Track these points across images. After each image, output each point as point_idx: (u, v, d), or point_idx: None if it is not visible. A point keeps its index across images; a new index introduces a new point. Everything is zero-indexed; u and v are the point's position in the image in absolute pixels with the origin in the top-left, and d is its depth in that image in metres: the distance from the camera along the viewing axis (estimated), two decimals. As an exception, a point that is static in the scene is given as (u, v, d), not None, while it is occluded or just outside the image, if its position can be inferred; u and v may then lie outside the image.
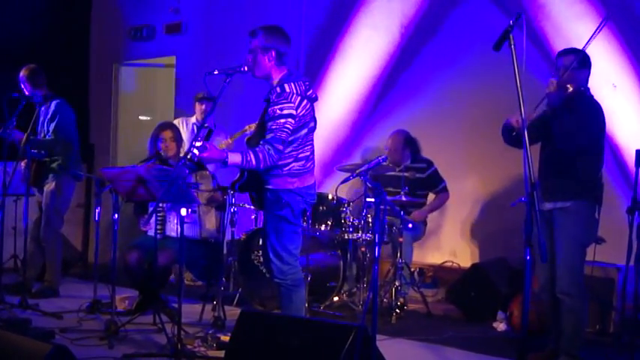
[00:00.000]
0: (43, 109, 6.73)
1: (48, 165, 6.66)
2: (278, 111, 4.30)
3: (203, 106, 7.65)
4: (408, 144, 6.80)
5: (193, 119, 7.82)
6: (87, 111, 9.68)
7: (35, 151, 6.44)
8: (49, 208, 6.68)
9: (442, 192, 6.83)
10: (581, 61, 4.64)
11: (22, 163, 6.49)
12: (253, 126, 4.86)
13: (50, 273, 6.81)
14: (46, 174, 6.67)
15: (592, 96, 4.74)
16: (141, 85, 10.05)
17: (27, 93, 6.66)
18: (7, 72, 6.75)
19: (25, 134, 6.35)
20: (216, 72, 4.43)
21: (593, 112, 4.67)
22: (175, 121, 7.62)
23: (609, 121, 4.84)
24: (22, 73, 6.71)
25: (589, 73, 4.75)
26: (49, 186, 6.68)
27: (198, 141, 4.15)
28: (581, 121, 4.56)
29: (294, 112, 4.32)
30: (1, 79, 6.73)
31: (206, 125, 5.25)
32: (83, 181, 9.13)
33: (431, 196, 6.93)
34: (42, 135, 6.69)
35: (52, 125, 6.61)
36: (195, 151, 4.15)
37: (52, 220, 6.72)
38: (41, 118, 6.74)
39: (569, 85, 4.53)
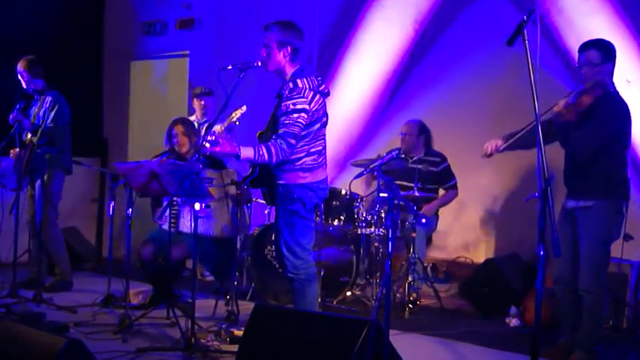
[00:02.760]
0: (37, 100, 6.67)
1: (41, 156, 6.49)
2: (291, 106, 4.30)
3: (202, 102, 7.46)
4: (423, 132, 6.86)
5: (194, 117, 7.53)
6: (100, 106, 9.69)
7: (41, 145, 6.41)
8: (45, 201, 6.60)
9: (451, 189, 6.84)
10: (603, 54, 4.58)
11: (12, 152, 6.47)
12: (239, 112, 4.85)
13: (59, 265, 6.82)
14: (39, 166, 6.49)
15: (617, 93, 4.67)
16: (154, 79, 10.06)
17: (24, 84, 6.62)
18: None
19: (39, 128, 6.35)
20: (229, 67, 4.44)
21: (615, 114, 4.64)
22: None
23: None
24: (20, 64, 6.65)
25: (614, 64, 4.67)
26: (43, 178, 6.59)
27: (210, 135, 4.16)
28: (599, 126, 4.56)
29: (307, 106, 4.32)
30: (15, 75, 6.74)
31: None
32: (97, 176, 9.20)
33: (440, 192, 6.92)
34: None
35: (52, 114, 6.50)
36: (207, 144, 4.15)
37: (50, 214, 6.66)
38: (34, 110, 6.65)
39: (584, 99, 4.50)
